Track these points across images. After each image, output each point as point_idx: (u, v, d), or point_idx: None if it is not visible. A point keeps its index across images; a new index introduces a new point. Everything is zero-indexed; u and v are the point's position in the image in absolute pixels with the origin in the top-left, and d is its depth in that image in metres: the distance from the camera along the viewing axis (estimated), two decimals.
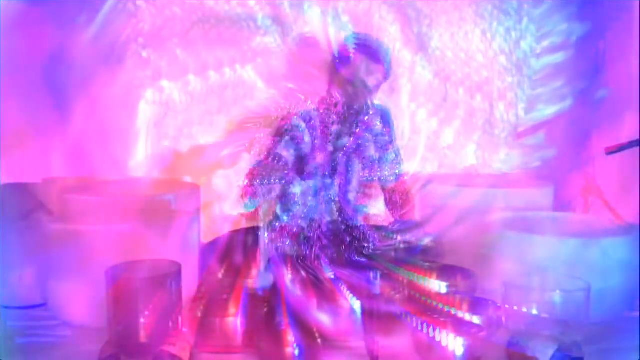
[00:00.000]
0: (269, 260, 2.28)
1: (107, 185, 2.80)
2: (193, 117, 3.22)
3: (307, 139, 2.44)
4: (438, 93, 3.35)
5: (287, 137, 2.44)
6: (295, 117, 2.45)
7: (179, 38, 3.16)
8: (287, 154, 2.44)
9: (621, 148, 2.53)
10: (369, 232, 2.49)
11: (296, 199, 2.45)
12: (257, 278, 2.22)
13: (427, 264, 2.43)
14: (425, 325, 2.08)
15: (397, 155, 2.61)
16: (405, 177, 2.63)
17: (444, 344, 1.98)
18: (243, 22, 3.20)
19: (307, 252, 2.41)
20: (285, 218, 2.44)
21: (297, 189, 2.44)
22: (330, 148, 2.47)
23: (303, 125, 2.45)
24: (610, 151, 2.55)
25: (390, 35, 3.26)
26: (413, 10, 3.29)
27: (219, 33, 3.18)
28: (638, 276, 2.39)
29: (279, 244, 2.41)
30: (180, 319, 2.11)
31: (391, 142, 2.59)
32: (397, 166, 2.60)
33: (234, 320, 2.11)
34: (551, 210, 2.95)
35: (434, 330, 2.03)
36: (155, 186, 2.81)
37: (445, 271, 2.40)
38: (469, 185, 3.03)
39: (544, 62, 3.39)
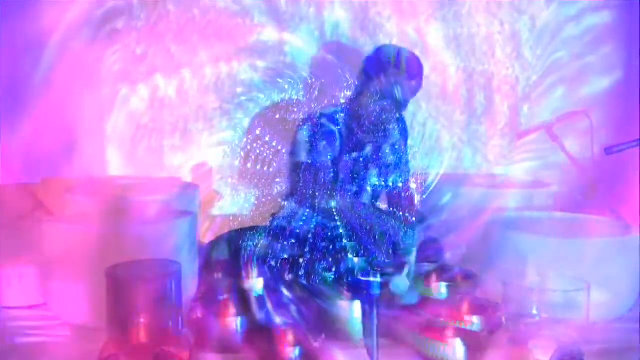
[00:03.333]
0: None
1: (107, 185, 2.80)
2: (189, 112, 3.21)
3: (332, 142, 2.42)
4: (435, 88, 3.34)
5: (309, 139, 2.43)
6: (323, 117, 2.44)
7: (173, 34, 3.15)
8: (306, 155, 2.42)
9: (621, 148, 2.53)
10: (375, 238, 2.48)
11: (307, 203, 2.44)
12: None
13: (427, 264, 2.43)
14: (425, 325, 2.08)
15: (407, 161, 2.62)
16: (411, 181, 2.63)
17: (444, 345, 1.98)
18: (239, 18, 3.19)
19: (309, 256, 2.41)
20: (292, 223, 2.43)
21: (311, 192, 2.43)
22: (349, 155, 2.47)
23: (332, 127, 2.43)
24: (610, 151, 2.55)
25: (386, 30, 3.26)
26: (409, 5, 3.28)
27: (215, 29, 3.18)
28: (638, 276, 2.39)
29: (280, 247, 2.40)
30: (180, 319, 2.11)
31: (405, 148, 2.59)
32: (406, 171, 2.60)
33: (234, 320, 2.11)
34: (551, 210, 2.95)
35: (435, 331, 2.03)
36: (154, 186, 2.81)
37: (445, 271, 2.40)
38: (469, 185, 3.03)
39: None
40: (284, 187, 2.64)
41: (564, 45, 3.37)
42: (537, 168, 3.34)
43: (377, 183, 2.56)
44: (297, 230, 2.42)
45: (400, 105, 2.50)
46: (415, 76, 2.47)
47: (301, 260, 2.37)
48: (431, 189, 2.81)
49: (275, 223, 2.48)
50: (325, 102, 2.68)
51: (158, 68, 3.16)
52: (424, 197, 2.75)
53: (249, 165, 2.59)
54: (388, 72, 2.43)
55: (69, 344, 2.19)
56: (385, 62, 2.45)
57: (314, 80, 2.87)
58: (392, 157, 2.56)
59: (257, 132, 2.71)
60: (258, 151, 2.64)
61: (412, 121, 3.19)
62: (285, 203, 2.53)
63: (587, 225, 2.66)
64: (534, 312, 2.08)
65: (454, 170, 3.39)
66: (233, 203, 3.13)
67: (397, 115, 2.57)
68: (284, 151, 2.68)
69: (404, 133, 2.65)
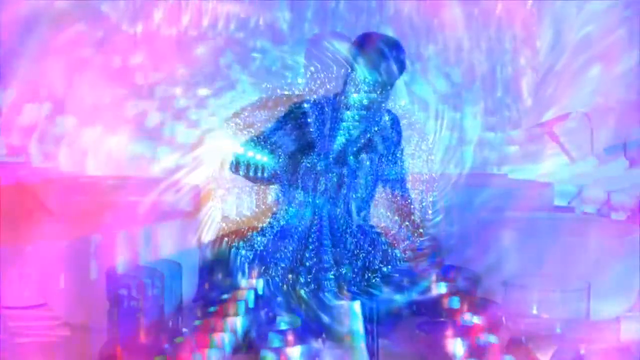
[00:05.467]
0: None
1: (107, 185, 2.80)
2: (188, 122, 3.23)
3: (313, 130, 2.44)
4: (435, 105, 3.34)
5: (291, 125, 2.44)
6: (306, 105, 2.45)
7: (181, 59, 3.18)
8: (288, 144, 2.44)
9: (620, 147, 2.54)
10: (375, 240, 2.48)
11: (295, 200, 2.45)
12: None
13: (427, 264, 2.43)
14: (425, 325, 2.08)
15: (404, 160, 2.61)
16: (411, 182, 2.63)
17: (444, 344, 1.98)
18: (241, 31, 3.21)
19: (308, 256, 2.41)
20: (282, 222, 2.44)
21: (297, 190, 2.44)
22: (339, 148, 2.47)
23: (312, 115, 2.44)
24: (609, 151, 2.56)
25: None
26: (409, 26, 3.29)
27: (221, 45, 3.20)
28: (638, 276, 2.39)
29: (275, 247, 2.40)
30: (180, 319, 2.11)
31: (399, 146, 2.59)
32: (404, 171, 2.60)
33: (234, 320, 2.11)
34: (551, 210, 2.95)
35: (435, 330, 2.03)
36: (155, 186, 2.80)
37: (446, 271, 2.40)
38: (469, 185, 3.03)
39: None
40: (281, 189, 2.64)
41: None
42: (538, 168, 3.34)
43: (368, 180, 2.55)
44: (297, 231, 2.42)
45: (384, 88, 2.48)
46: (392, 56, 2.46)
47: (301, 260, 2.38)
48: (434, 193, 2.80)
49: (274, 223, 2.48)
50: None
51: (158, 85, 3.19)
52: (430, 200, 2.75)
53: (241, 172, 2.59)
54: (364, 57, 2.43)
55: (69, 344, 2.19)
56: (360, 48, 2.45)
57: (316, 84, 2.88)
58: (383, 151, 2.55)
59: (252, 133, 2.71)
60: (252, 154, 2.65)
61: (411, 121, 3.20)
62: (283, 204, 2.53)
63: (588, 225, 2.66)
64: (534, 312, 2.08)
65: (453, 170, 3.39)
66: (233, 204, 3.13)
67: (385, 104, 2.54)
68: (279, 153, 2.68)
69: (396, 127, 2.62)
